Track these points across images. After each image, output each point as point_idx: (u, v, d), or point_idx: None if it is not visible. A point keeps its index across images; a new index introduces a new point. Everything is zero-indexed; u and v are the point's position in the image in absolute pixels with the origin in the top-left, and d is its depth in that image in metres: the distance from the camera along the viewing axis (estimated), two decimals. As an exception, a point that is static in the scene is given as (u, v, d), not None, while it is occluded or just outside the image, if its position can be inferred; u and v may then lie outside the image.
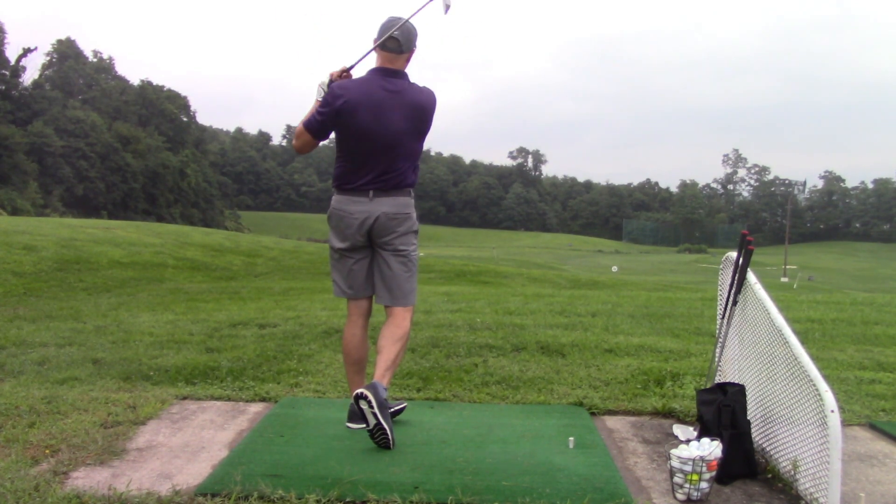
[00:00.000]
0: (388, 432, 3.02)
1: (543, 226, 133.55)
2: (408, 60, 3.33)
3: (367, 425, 3.02)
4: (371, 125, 3.20)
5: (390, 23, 3.26)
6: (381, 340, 3.31)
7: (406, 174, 3.32)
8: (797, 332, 2.87)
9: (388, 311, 3.42)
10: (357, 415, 3.18)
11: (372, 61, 3.34)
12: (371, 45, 3.30)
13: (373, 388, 3.02)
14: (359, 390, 3.01)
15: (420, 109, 3.30)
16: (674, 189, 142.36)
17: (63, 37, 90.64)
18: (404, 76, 3.31)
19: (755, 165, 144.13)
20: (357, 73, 3.37)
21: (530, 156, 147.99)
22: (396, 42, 3.24)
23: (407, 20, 3.26)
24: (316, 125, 3.26)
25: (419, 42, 3.34)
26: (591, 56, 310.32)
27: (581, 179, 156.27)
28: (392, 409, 3.40)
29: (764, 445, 3.12)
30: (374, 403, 2.97)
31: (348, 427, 3.32)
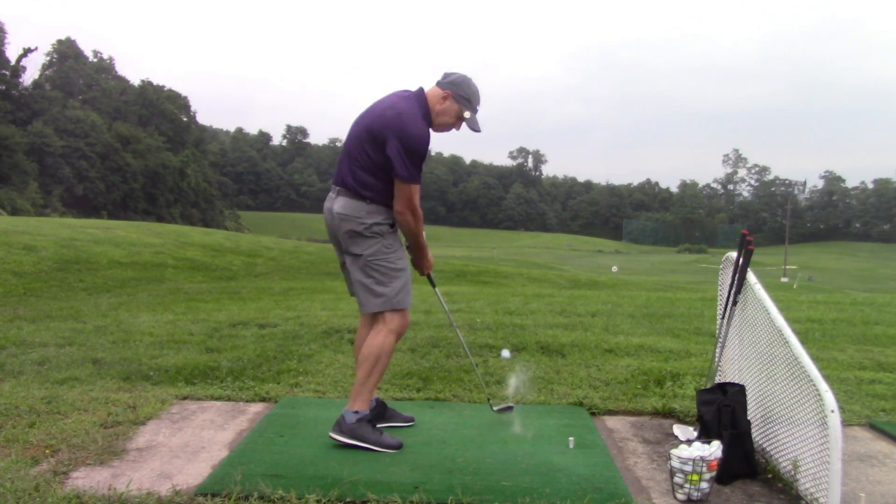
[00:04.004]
0: (369, 448, 3.08)
1: (543, 226, 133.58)
2: (444, 97, 3.19)
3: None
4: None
5: (474, 91, 3.22)
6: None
7: (353, 176, 3.15)
8: (797, 333, 2.87)
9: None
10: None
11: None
12: (461, 100, 3.21)
13: (336, 425, 3.13)
14: (330, 432, 3.13)
15: (377, 122, 3.12)
16: (674, 189, 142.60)
17: (63, 37, 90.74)
18: (412, 94, 3.20)
19: (755, 165, 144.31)
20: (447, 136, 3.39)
21: (530, 156, 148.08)
22: (470, 106, 3.21)
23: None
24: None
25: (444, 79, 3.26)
26: (598, 61, 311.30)
27: (581, 179, 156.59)
28: (392, 424, 3.41)
29: (764, 445, 3.12)
30: (342, 439, 3.10)
31: None
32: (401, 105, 3.11)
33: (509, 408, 3.42)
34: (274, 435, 3.26)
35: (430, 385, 4.27)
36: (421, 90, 3.21)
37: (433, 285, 3.52)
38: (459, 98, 3.18)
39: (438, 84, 3.22)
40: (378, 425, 3.28)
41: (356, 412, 3.12)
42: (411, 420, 3.49)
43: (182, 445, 3.16)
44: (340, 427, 3.12)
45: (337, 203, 3.17)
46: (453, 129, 3.27)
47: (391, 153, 3.03)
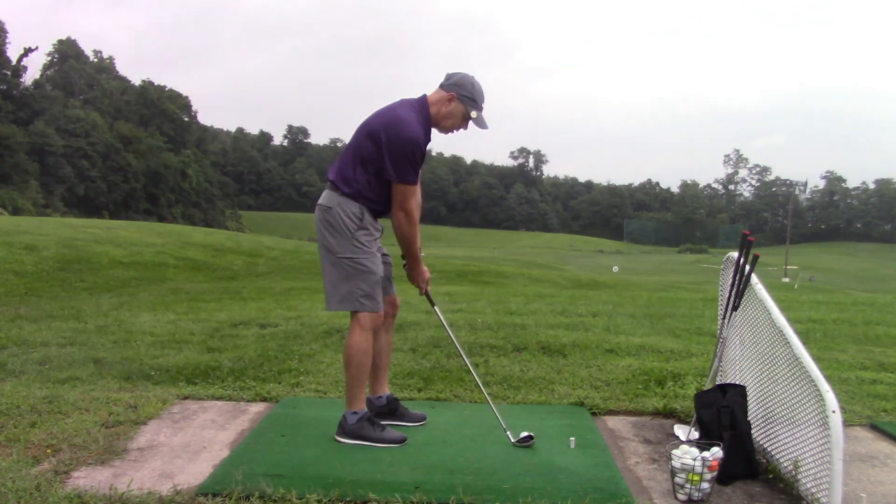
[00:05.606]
0: (373, 445, 3.15)
1: (544, 226, 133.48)
2: (449, 99, 3.22)
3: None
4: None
5: (478, 90, 3.22)
6: None
7: (338, 171, 3.22)
8: (798, 333, 2.87)
9: None
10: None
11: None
12: (468, 106, 3.23)
13: (340, 428, 3.23)
14: (335, 436, 3.22)
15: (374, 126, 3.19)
16: (675, 189, 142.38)
17: (64, 37, 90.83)
18: (413, 101, 3.24)
19: (756, 165, 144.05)
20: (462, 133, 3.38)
21: (531, 156, 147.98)
22: (475, 104, 3.22)
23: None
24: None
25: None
26: (601, 61, 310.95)
27: (582, 179, 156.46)
28: (401, 423, 3.44)
29: (765, 446, 3.12)
30: (346, 440, 3.19)
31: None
32: (399, 110, 3.19)
33: (529, 438, 3.19)
34: (275, 435, 3.27)
35: (432, 385, 4.27)
36: (423, 97, 3.26)
37: (432, 304, 3.52)
38: (464, 98, 3.21)
39: (442, 86, 3.25)
40: (388, 422, 3.35)
41: (355, 413, 3.21)
42: (423, 419, 3.51)
43: (183, 445, 3.16)
44: (343, 429, 3.22)
45: (322, 196, 3.26)
46: (462, 129, 3.30)
47: (384, 152, 3.09)
